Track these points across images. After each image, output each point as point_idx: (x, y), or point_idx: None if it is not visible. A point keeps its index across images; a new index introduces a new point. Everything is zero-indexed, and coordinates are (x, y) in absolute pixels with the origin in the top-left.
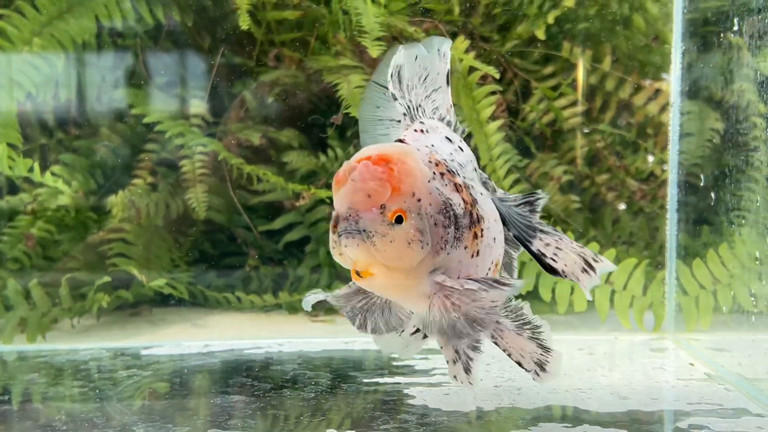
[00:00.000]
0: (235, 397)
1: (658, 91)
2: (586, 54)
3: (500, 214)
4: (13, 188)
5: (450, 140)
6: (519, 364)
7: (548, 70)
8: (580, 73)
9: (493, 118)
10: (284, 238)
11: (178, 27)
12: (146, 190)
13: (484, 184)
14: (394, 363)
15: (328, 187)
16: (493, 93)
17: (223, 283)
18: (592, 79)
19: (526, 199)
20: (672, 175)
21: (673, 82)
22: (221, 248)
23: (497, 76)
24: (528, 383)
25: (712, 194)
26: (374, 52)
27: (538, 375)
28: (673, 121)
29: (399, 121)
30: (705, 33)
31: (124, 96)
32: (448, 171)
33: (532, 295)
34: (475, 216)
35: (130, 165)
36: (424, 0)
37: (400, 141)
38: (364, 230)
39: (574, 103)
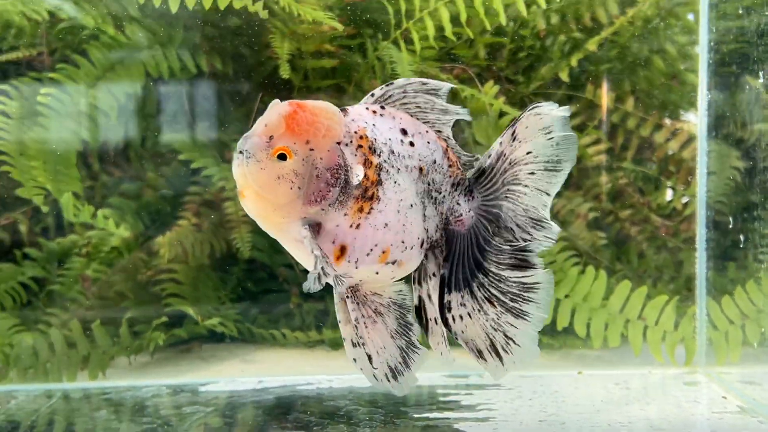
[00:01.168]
0: (288, 423)
1: (678, 129)
2: (609, 94)
3: (450, 248)
4: (59, 229)
5: (404, 132)
6: (369, 357)
7: (571, 109)
8: (604, 113)
9: None
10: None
11: (219, 74)
12: (191, 231)
13: (437, 198)
14: (441, 399)
15: None
16: None
17: (267, 320)
18: (615, 118)
19: (515, 252)
20: (700, 213)
21: (698, 120)
22: (264, 286)
23: None
24: (572, 417)
25: (737, 232)
26: None
27: (388, 381)
28: (700, 159)
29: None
30: (726, 74)
31: (169, 141)
32: (369, 148)
33: (567, 331)
34: (369, 193)
35: (175, 207)
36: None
37: (344, 109)
38: (247, 150)
39: (596, 141)
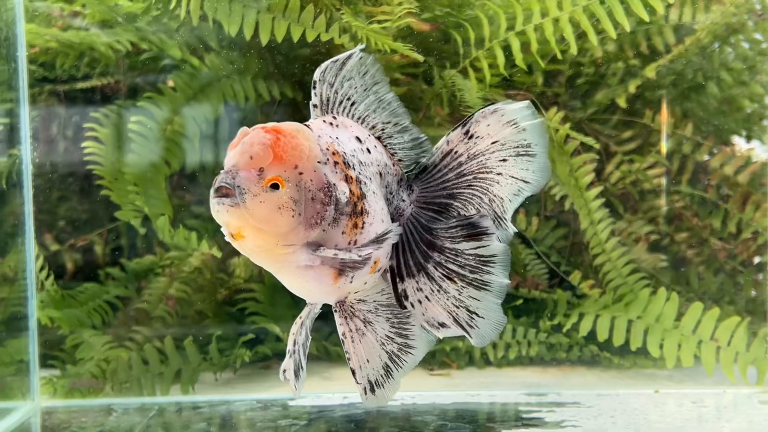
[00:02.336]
0: None
1: (734, 154)
2: (665, 119)
3: (403, 238)
4: (132, 250)
5: (359, 140)
6: (353, 372)
7: (627, 134)
8: (663, 139)
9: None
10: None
11: (289, 101)
12: None
13: (392, 195)
14: (524, 416)
15: None
16: (592, 161)
17: (337, 338)
18: (671, 143)
19: (464, 222)
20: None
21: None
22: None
23: (597, 146)
24: None
25: None
26: None
27: (365, 394)
28: None
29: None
30: None
31: None
32: (344, 162)
33: (636, 351)
34: (359, 208)
35: None
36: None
37: (307, 125)
38: (239, 186)
39: (653, 166)
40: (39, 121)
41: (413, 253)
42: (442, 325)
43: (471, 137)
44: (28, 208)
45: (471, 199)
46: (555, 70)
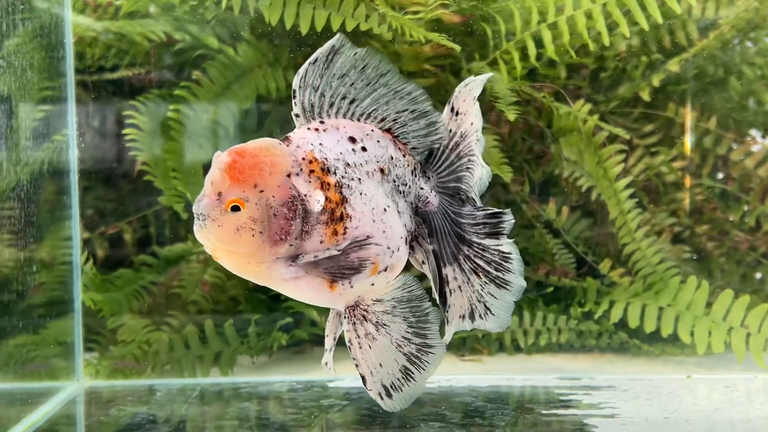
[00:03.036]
0: (435, 424)
1: (755, 148)
2: (687, 113)
3: (431, 227)
4: (160, 237)
5: (353, 140)
6: (363, 378)
7: (648, 127)
8: (687, 132)
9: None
10: (423, 284)
11: None
12: None
13: (409, 188)
14: (561, 398)
15: None
16: (620, 152)
17: None
18: (693, 137)
19: (489, 220)
20: None
21: None
22: None
23: (627, 137)
24: (693, 416)
25: None
26: (511, 116)
27: (382, 399)
28: None
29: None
30: None
31: None
32: (322, 169)
33: (665, 339)
34: (338, 214)
35: None
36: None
37: (286, 137)
38: (201, 213)
39: (674, 158)
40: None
41: (447, 242)
42: (472, 317)
43: (457, 114)
44: (75, 194)
45: (470, 182)
46: (577, 63)
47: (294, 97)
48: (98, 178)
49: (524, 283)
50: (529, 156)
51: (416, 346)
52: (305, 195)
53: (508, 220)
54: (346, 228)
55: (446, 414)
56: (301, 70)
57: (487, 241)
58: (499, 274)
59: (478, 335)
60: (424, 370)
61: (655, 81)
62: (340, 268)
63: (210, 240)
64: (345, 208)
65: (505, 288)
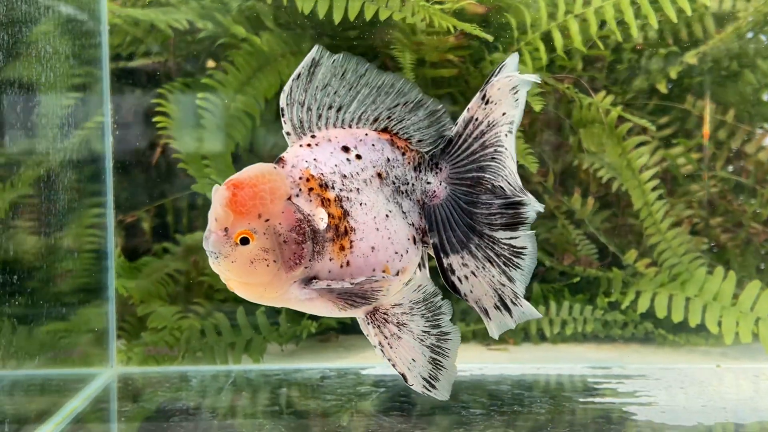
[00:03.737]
0: (476, 411)
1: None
2: (703, 105)
3: (431, 220)
4: (179, 225)
5: (346, 149)
6: (403, 376)
7: (663, 119)
8: (706, 125)
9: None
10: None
11: None
12: None
13: (408, 189)
14: (596, 387)
15: None
16: (644, 144)
17: None
18: (708, 128)
19: (505, 210)
20: None
21: None
22: None
23: (653, 128)
24: (729, 404)
25: None
26: (537, 106)
27: (429, 390)
28: None
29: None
30: None
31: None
32: (320, 186)
33: (689, 329)
34: (342, 229)
35: None
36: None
37: (280, 159)
38: (211, 251)
39: (689, 150)
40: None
41: (455, 232)
42: (486, 312)
43: (487, 102)
44: (109, 181)
45: (498, 171)
46: (593, 55)
47: (282, 115)
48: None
49: (526, 284)
50: (547, 147)
51: (435, 337)
52: (309, 215)
53: (528, 210)
54: (351, 242)
55: (484, 401)
56: (286, 88)
57: (500, 234)
58: (507, 269)
59: None
60: (448, 357)
61: (673, 73)
62: (351, 296)
63: (223, 273)
64: (348, 221)
65: (512, 283)
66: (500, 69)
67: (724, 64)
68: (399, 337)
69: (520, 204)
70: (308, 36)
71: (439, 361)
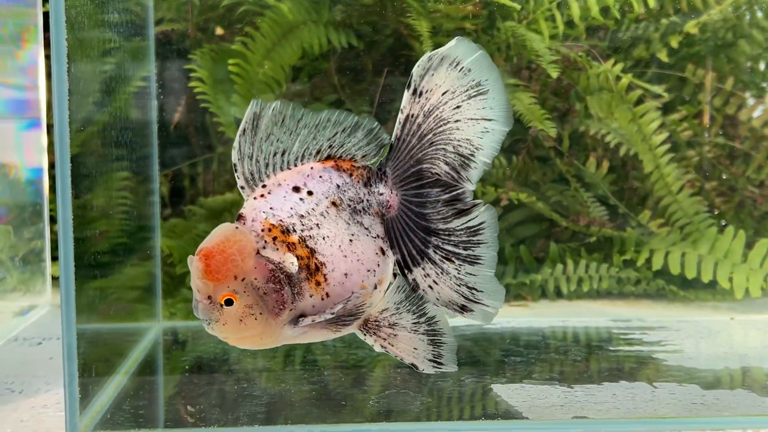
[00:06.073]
0: (516, 359)
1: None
2: (708, 74)
3: (390, 235)
4: (207, 188)
5: (297, 189)
6: (414, 366)
7: (660, 88)
8: (707, 93)
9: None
10: None
11: (353, 49)
12: None
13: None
14: (622, 337)
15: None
16: (656, 109)
17: None
18: (705, 97)
19: (452, 201)
20: None
21: None
22: None
23: (665, 95)
24: (749, 351)
25: None
26: (554, 73)
27: (439, 367)
28: None
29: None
30: None
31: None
32: (282, 232)
33: (702, 285)
34: (313, 266)
35: None
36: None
37: (240, 216)
38: (203, 319)
39: (685, 118)
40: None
41: (413, 241)
42: (464, 308)
43: (420, 95)
44: (154, 143)
45: (436, 155)
46: (596, 25)
47: (235, 170)
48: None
49: (495, 253)
50: (554, 114)
51: (426, 324)
52: (280, 262)
53: (468, 195)
54: (325, 275)
55: (522, 350)
56: (235, 144)
57: (454, 223)
58: (470, 252)
59: (525, 281)
60: (443, 334)
61: (674, 42)
62: (340, 320)
63: (222, 336)
64: (316, 258)
65: (477, 263)
66: (428, 57)
67: (720, 34)
68: (395, 335)
69: (461, 192)
70: (326, 4)
71: (437, 340)
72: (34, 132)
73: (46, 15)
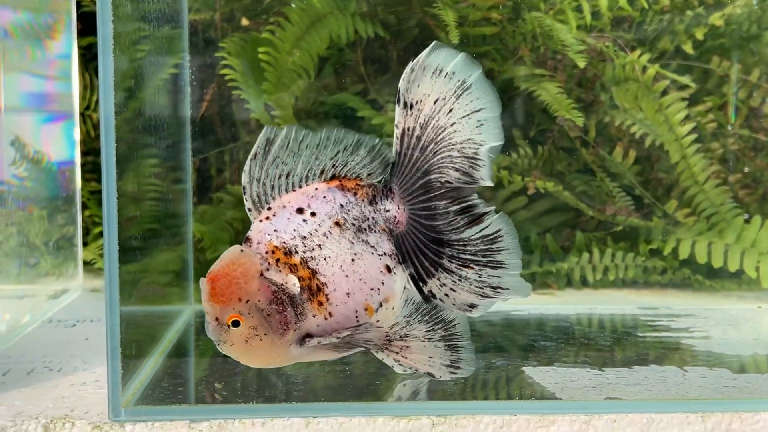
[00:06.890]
0: (547, 343)
1: None
2: (725, 65)
3: (401, 251)
4: (233, 176)
5: (301, 210)
6: (430, 375)
7: (686, 79)
8: (733, 85)
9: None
10: None
11: (378, 39)
12: None
13: (371, 223)
14: (650, 324)
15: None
16: (683, 99)
17: None
18: (730, 89)
19: (463, 212)
20: None
21: None
22: None
23: (692, 85)
24: None
25: None
26: (581, 63)
27: (456, 373)
28: None
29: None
30: None
31: (344, 101)
32: (285, 254)
33: (728, 274)
34: (314, 287)
35: None
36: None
37: (247, 238)
38: (213, 339)
39: (710, 110)
40: None
41: (426, 254)
42: (473, 306)
43: (411, 107)
44: (187, 129)
45: (443, 163)
46: (619, 16)
47: (245, 193)
48: None
49: (519, 259)
50: (580, 104)
51: (442, 330)
52: (282, 284)
53: (482, 207)
54: (326, 295)
55: (551, 335)
56: (246, 167)
57: (467, 233)
58: (491, 258)
59: (551, 270)
60: (461, 338)
61: (699, 34)
62: (344, 344)
63: (232, 355)
64: (318, 279)
65: (501, 267)
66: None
67: (745, 27)
68: (407, 347)
69: (471, 202)
70: None
71: (455, 345)
72: (53, 125)
73: (78, 5)
